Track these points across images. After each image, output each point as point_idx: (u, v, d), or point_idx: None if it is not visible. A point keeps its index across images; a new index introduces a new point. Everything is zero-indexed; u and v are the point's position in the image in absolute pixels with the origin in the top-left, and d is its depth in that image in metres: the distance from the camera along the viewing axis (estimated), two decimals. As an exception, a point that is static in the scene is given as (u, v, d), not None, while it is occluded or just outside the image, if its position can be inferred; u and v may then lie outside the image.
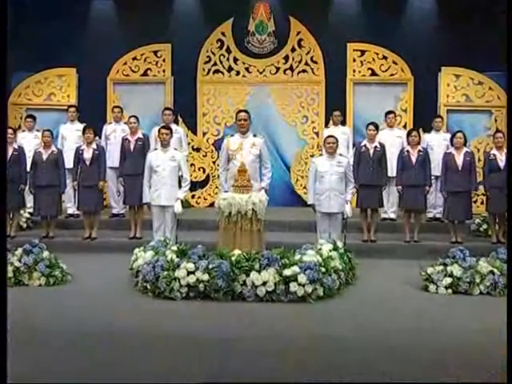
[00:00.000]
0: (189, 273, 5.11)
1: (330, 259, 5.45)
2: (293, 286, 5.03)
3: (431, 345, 4.07)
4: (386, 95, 9.08)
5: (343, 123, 8.61)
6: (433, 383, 3.53)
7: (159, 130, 6.69)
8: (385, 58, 9.10)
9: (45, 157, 7.21)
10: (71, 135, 8.13)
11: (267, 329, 4.41)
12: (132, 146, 7.37)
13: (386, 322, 4.56)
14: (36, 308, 4.92)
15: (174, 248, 5.56)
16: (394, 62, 9.09)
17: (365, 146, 7.19)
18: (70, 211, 8.07)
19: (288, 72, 9.31)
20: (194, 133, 9.37)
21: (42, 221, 7.35)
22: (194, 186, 9.12)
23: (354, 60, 9.15)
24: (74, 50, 9.02)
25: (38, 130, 8.09)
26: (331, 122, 8.57)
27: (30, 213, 7.62)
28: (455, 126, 8.59)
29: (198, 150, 9.40)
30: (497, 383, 3.48)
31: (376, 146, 7.15)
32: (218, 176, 6.94)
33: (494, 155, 7.00)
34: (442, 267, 5.47)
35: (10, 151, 7.13)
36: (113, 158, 7.85)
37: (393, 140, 7.86)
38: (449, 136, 7.56)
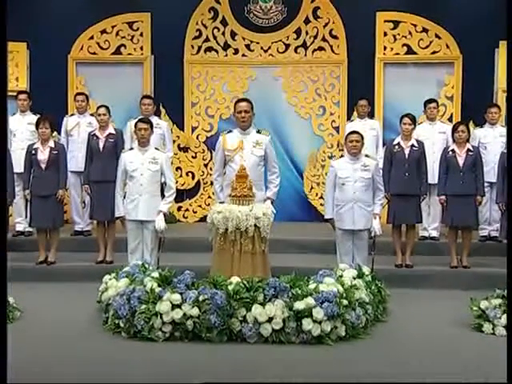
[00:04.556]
0: (174, 306, 5.19)
1: (354, 289, 5.53)
2: (306, 324, 5.11)
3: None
4: (426, 79, 9.21)
5: (371, 115, 8.74)
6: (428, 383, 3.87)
7: (136, 125, 6.78)
8: (425, 30, 9.22)
9: (-12, 158, 7.32)
10: (21, 130, 8.24)
11: (273, 379, 4.44)
12: (101, 145, 7.47)
13: (430, 373, 4.56)
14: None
15: (155, 275, 5.64)
16: (437, 36, 9.21)
17: (398, 144, 7.29)
18: (19, 228, 8.16)
19: (300, 50, 9.44)
20: (181, 128, 9.50)
21: (-16, 240, 7.44)
22: (181, 196, 9.24)
23: (386, 34, 9.27)
24: (25, 20, 9.10)
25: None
26: (355, 113, 8.70)
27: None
28: (516, 118, 8.69)
29: (185, 149, 9.52)
30: (497, 383, 4.09)
31: (413, 145, 7.24)
32: (212, 183, 7.03)
33: None
34: (499, 301, 5.51)
35: None
36: (76, 160, 7.99)
37: (434, 137, 7.99)
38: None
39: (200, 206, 9.51)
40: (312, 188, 9.47)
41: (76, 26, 9.35)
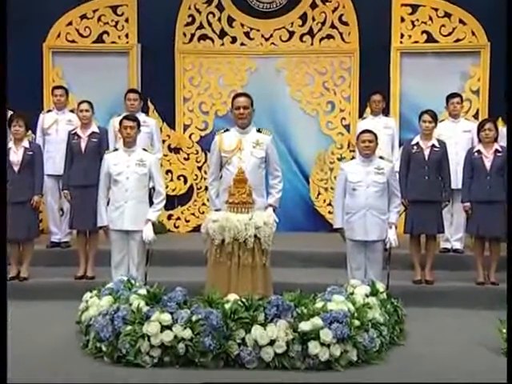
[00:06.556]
0: (163, 328, 5.20)
1: (367, 308, 5.55)
2: (313, 347, 5.12)
3: None
4: (448, 70, 9.22)
5: (386, 112, 8.76)
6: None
7: (121, 122, 6.80)
8: (447, 15, 9.24)
9: (-45, 160, 7.35)
10: (-8, 129, 8.30)
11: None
12: (83, 145, 7.46)
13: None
14: None
15: (142, 292, 5.65)
16: (462, 22, 9.22)
17: (417, 144, 7.31)
18: (-11, 239, 8.20)
19: (306, 38, 9.48)
20: (172, 126, 9.52)
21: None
22: (172, 203, 9.25)
23: (403, 20, 9.31)
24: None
25: None
26: (368, 110, 8.73)
27: None
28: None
29: (176, 150, 9.55)
30: (497, 383, 4.48)
31: (434, 145, 7.27)
32: (206, 188, 7.04)
33: None
34: (531, 321, 5.53)
35: None
36: (53, 162, 8.02)
37: (458, 136, 8.00)
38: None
39: (193, 214, 9.53)
40: (319, 194, 9.49)
41: (52, 10, 9.37)
